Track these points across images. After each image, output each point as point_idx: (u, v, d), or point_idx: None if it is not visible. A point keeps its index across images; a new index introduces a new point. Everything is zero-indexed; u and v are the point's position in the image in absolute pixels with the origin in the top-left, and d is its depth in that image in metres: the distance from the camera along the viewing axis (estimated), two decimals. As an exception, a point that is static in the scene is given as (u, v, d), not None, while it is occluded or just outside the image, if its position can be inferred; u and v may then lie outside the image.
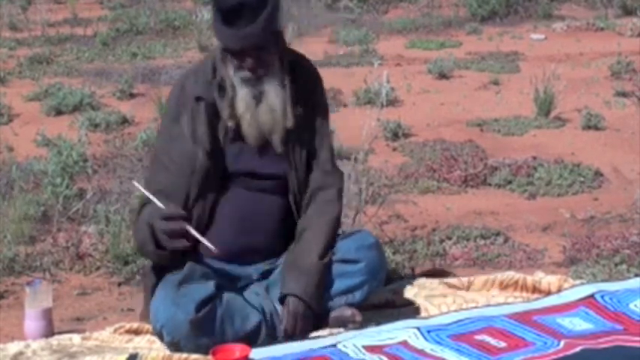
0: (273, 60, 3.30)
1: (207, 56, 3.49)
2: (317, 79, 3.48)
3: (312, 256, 3.25)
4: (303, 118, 3.35)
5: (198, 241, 3.16)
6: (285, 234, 3.38)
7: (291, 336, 3.21)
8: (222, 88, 3.29)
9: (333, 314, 3.31)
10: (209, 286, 3.15)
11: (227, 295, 3.21)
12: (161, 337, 3.14)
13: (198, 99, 3.30)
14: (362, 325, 3.30)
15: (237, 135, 3.31)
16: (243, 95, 3.26)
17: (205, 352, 3.04)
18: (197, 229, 3.23)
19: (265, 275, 3.37)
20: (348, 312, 3.31)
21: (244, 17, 3.18)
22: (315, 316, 3.26)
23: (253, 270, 3.36)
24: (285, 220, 3.38)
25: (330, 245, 3.31)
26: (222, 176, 3.30)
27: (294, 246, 3.33)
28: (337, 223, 3.40)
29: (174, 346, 3.10)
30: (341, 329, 3.29)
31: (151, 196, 3.17)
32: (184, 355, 3.08)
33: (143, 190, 3.22)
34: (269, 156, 3.33)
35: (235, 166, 3.32)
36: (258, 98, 3.27)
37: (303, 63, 3.48)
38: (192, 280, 3.16)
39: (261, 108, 3.27)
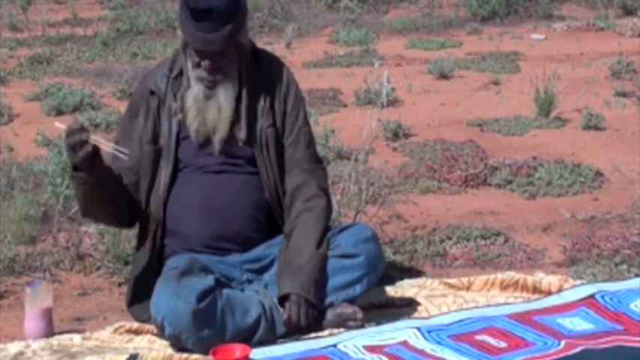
0: (231, 69, 3.32)
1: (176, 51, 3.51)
2: (289, 82, 3.48)
3: (305, 251, 3.26)
4: (274, 122, 3.38)
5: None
6: (262, 222, 3.39)
7: (296, 332, 3.22)
8: (177, 80, 3.36)
9: (334, 311, 3.31)
10: (209, 279, 3.17)
11: (227, 290, 3.22)
12: (162, 330, 3.14)
13: (152, 92, 3.37)
14: (363, 324, 3.30)
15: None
16: (195, 91, 3.31)
17: (206, 347, 3.04)
18: (157, 226, 3.34)
19: (257, 271, 3.37)
20: (349, 309, 3.31)
21: (211, 22, 3.21)
22: (316, 310, 3.25)
23: (237, 270, 3.36)
24: (260, 208, 3.38)
25: (322, 237, 3.32)
26: (174, 167, 3.35)
27: (285, 246, 3.33)
28: (326, 214, 3.40)
29: (176, 339, 3.11)
30: (341, 329, 3.29)
31: (60, 125, 3.24)
32: (184, 355, 3.09)
33: (60, 125, 3.26)
34: (226, 152, 3.36)
35: (186, 162, 3.36)
36: (208, 97, 3.31)
37: (274, 67, 3.49)
38: (191, 274, 3.17)
39: (210, 105, 3.30)
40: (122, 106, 7.24)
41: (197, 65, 3.29)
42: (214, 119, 3.31)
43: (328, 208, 3.43)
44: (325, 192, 3.46)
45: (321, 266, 3.27)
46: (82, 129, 3.18)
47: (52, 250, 4.28)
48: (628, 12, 11.84)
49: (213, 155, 3.35)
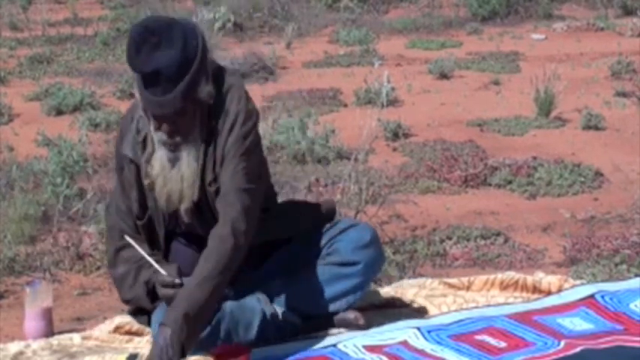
0: (192, 127, 3.09)
1: (134, 104, 3.24)
2: (238, 110, 3.15)
3: (188, 286, 3.04)
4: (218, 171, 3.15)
5: None
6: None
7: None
8: (144, 143, 3.16)
9: (336, 318, 3.30)
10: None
11: (230, 305, 3.17)
12: None
13: (130, 160, 3.18)
14: (366, 328, 3.30)
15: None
16: (160, 156, 3.11)
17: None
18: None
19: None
20: (351, 315, 3.31)
21: (161, 85, 2.99)
22: (185, 348, 2.98)
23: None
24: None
25: (211, 277, 3.01)
26: (165, 233, 3.25)
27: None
28: (226, 245, 3.04)
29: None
30: (342, 329, 3.29)
31: (148, 257, 3.14)
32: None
33: (139, 248, 3.16)
34: (198, 208, 3.19)
35: (171, 224, 3.24)
36: (172, 162, 3.11)
37: (230, 98, 3.16)
38: None
39: (173, 174, 3.11)
40: (122, 106, 7.25)
41: (157, 128, 3.06)
42: (178, 189, 3.12)
43: (234, 235, 3.05)
44: (237, 218, 3.08)
45: (199, 301, 2.98)
46: (174, 284, 3.05)
47: (52, 250, 4.28)
48: (628, 12, 11.84)
49: (187, 219, 3.20)
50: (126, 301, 3.32)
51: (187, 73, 3.01)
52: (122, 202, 3.25)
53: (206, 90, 3.06)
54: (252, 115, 3.16)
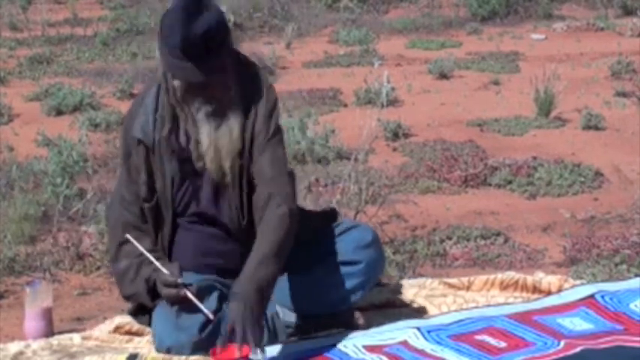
0: (229, 93, 3.17)
1: (145, 91, 3.31)
2: (262, 87, 3.29)
3: (255, 259, 3.07)
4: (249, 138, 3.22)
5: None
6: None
7: (231, 337, 3.00)
8: (185, 134, 3.18)
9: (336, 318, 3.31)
10: (211, 302, 3.13)
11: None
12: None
13: (139, 142, 3.20)
14: (365, 328, 3.30)
15: (186, 175, 3.22)
16: (207, 131, 3.15)
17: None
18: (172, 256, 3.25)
19: None
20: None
21: (210, 49, 3.05)
22: (260, 317, 3.03)
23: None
24: (246, 242, 3.21)
25: (275, 247, 3.09)
26: (173, 218, 3.25)
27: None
28: (283, 222, 3.14)
29: None
30: (342, 329, 3.29)
31: (149, 255, 3.15)
32: (184, 357, 3.09)
33: (139, 246, 3.16)
34: (217, 195, 3.23)
35: (181, 207, 3.25)
36: (219, 125, 3.16)
37: (250, 70, 3.29)
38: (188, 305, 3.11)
39: (220, 133, 3.16)
40: (122, 106, 7.25)
41: (205, 102, 3.12)
42: (227, 142, 3.16)
43: (287, 214, 3.16)
44: (287, 197, 3.20)
45: (269, 274, 3.05)
46: (177, 284, 3.07)
47: (52, 250, 4.29)
48: (628, 12, 11.84)
49: (204, 201, 3.23)
50: (126, 297, 3.32)
51: (226, 29, 3.14)
52: (128, 191, 3.26)
53: (236, 58, 3.21)
54: (277, 101, 3.28)
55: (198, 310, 3.09)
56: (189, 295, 3.08)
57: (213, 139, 3.15)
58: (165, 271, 3.10)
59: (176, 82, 3.12)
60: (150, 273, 3.15)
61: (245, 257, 3.09)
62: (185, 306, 3.10)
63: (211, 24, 3.07)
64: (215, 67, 3.08)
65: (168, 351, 3.10)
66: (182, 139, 3.21)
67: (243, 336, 2.90)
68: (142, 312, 3.32)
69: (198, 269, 3.24)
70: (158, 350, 3.14)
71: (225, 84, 3.15)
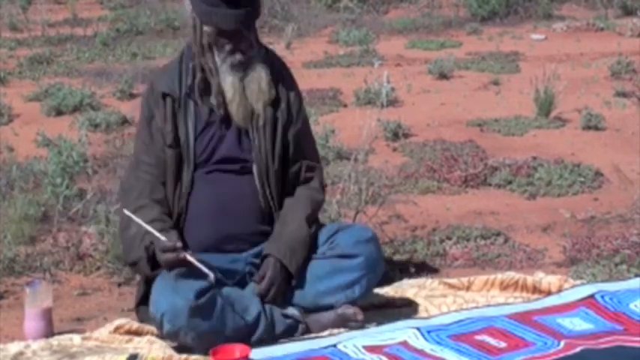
0: (255, 40, 3.38)
1: (178, 57, 3.52)
2: (287, 69, 3.56)
3: (291, 224, 3.32)
4: (277, 103, 3.43)
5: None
6: (263, 221, 3.39)
7: (264, 296, 3.25)
8: (203, 82, 3.36)
9: (335, 312, 3.31)
10: (209, 278, 3.16)
11: (227, 288, 3.24)
12: (161, 327, 3.14)
13: (164, 95, 3.37)
14: (363, 325, 3.30)
15: (210, 123, 3.37)
16: (230, 81, 3.35)
17: (205, 343, 3.05)
18: (178, 222, 3.34)
19: (258, 266, 3.37)
20: (350, 310, 3.32)
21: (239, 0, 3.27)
22: (290, 280, 3.30)
23: (240, 263, 3.36)
24: (262, 209, 3.38)
25: (311, 217, 3.38)
26: (194, 167, 3.36)
27: (278, 222, 3.38)
28: (319, 205, 3.49)
29: (175, 335, 3.12)
30: (342, 329, 3.30)
31: (147, 226, 3.20)
32: (184, 356, 3.09)
33: (137, 219, 3.22)
34: (239, 140, 3.39)
35: (205, 154, 3.37)
36: (243, 78, 3.35)
37: (274, 54, 3.55)
38: (190, 276, 3.17)
39: (248, 81, 3.35)
40: (122, 107, 7.26)
41: (231, 52, 3.32)
42: (255, 89, 3.37)
43: (321, 202, 3.53)
44: (323, 189, 3.55)
45: (303, 238, 3.32)
46: (175, 248, 3.15)
47: (52, 250, 4.29)
48: (628, 12, 11.83)
49: (229, 146, 3.38)
50: (131, 264, 3.39)
51: None
52: (147, 155, 3.39)
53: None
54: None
55: (197, 276, 3.13)
56: (189, 257, 3.13)
57: (238, 87, 3.34)
58: (163, 238, 3.16)
59: (206, 28, 3.31)
60: (149, 241, 3.21)
61: (261, 217, 3.35)
62: (184, 271, 3.15)
63: None
64: (246, 16, 3.28)
65: (162, 319, 3.11)
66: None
67: (268, 291, 3.23)
68: (145, 302, 3.32)
69: (216, 221, 3.32)
70: (154, 320, 3.15)
71: (250, 39, 3.34)
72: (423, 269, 4.06)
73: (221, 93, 3.35)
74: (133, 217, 3.23)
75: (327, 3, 13.07)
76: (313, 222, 3.40)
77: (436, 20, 11.87)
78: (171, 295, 3.10)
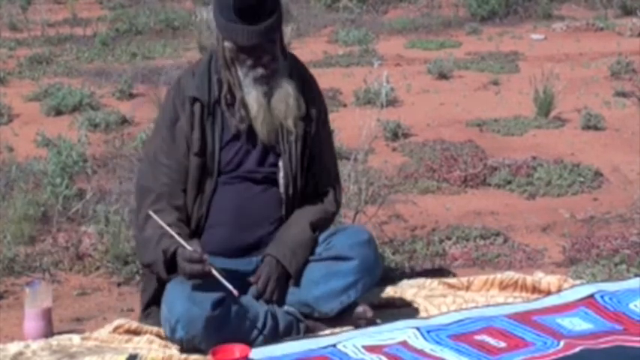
0: (279, 53, 3.31)
1: (202, 58, 3.47)
2: (313, 80, 3.50)
3: (295, 227, 3.31)
4: (304, 116, 3.37)
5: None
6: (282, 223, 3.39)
7: (260, 295, 3.25)
8: (230, 94, 3.29)
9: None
10: (233, 294, 3.13)
11: (241, 298, 3.21)
12: (174, 332, 3.12)
13: (194, 100, 3.30)
14: (375, 321, 3.31)
15: (238, 135, 3.31)
16: (255, 96, 3.27)
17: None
18: (197, 228, 3.27)
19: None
20: (359, 308, 3.33)
21: (262, 12, 3.19)
22: (287, 282, 3.29)
23: (253, 264, 3.36)
24: (283, 219, 3.37)
25: (316, 224, 3.35)
26: (217, 176, 3.32)
27: (283, 225, 3.36)
28: (328, 215, 3.43)
29: (188, 342, 3.10)
30: (344, 328, 3.30)
31: (172, 232, 3.15)
32: (184, 356, 3.09)
33: (162, 223, 3.17)
34: (265, 154, 3.35)
35: (231, 166, 3.32)
36: (269, 94, 3.28)
37: (299, 63, 3.47)
38: (207, 285, 3.14)
39: (275, 98, 3.29)
40: (121, 106, 7.26)
41: (253, 66, 3.25)
42: (283, 108, 3.31)
43: (333, 214, 3.47)
44: (338, 205, 3.52)
45: (305, 241, 3.30)
46: (202, 260, 3.09)
47: (52, 250, 4.29)
48: (627, 12, 11.84)
49: (255, 160, 3.34)
50: (145, 265, 3.33)
51: (279, 4, 3.27)
52: (168, 158, 3.31)
53: (284, 29, 3.41)
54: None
55: (216, 289, 3.10)
56: (214, 271, 3.09)
57: (263, 103, 3.27)
58: (188, 247, 3.11)
59: (227, 44, 3.24)
60: (169, 245, 3.15)
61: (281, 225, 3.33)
62: (204, 283, 3.12)
63: None
64: (265, 32, 3.20)
65: (175, 325, 3.09)
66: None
67: (264, 290, 3.23)
68: (155, 303, 3.31)
69: (237, 229, 3.31)
70: (166, 324, 3.13)
71: (273, 53, 3.27)
72: (422, 269, 4.06)
73: (245, 107, 3.28)
74: (159, 220, 3.17)
75: (327, 3, 13.07)
76: (318, 228, 3.35)
77: (436, 20, 11.88)
78: (188, 303, 3.08)
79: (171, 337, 3.15)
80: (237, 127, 3.30)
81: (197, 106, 3.30)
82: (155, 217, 3.19)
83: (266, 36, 3.21)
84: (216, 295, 3.11)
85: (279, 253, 3.26)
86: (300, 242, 3.30)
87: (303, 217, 3.34)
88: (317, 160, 3.41)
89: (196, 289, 3.12)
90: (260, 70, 3.25)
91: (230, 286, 3.08)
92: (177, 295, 3.11)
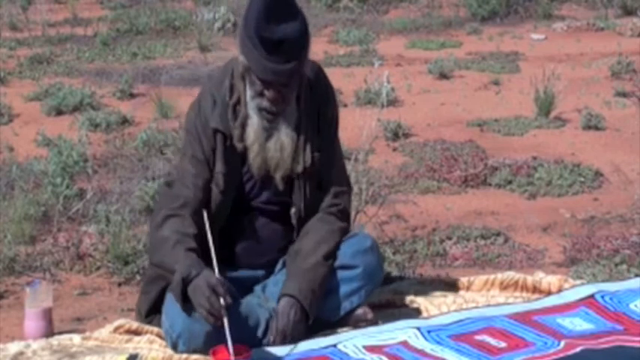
0: (291, 98, 3.20)
1: (225, 70, 3.30)
2: (330, 95, 3.39)
3: (312, 258, 3.22)
4: (315, 148, 3.29)
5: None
6: (291, 243, 3.36)
7: (282, 338, 3.15)
8: (235, 109, 3.22)
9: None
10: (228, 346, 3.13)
11: (242, 303, 3.20)
12: (175, 347, 3.12)
13: (215, 131, 3.21)
14: (376, 322, 3.31)
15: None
16: (254, 123, 3.18)
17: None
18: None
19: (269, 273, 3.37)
20: (359, 311, 3.33)
21: (284, 53, 3.07)
22: (307, 320, 3.20)
23: (258, 273, 3.36)
24: (291, 241, 3.35)
25: (332, 252, 3.27)
26: (233, 205, 3.27)
27: (296, 247, 3.29)
28: (340, 234, 3.33)
29: (190, 354, 3.10)
30: (344, 329, 3.29)
31: (214, 255, 3.07)
32: (184, 356, 3.09)
33: (209, 236, 3.11)
34: (284, 187, 3.28)
35: (250, 197, 3.28)
36: (269, 132, 3.19)
37: (319, 79, 3.36)
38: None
39: (271, 143, 3.20)
40: (122, 106, 7.26)
41: (259, 94, 3.15)
42: (276, 157, 3.20)
43: (345, 230, 3.37)
44: (348, 216, 3.44)
45: (323, 277, 3.22)
46: (225, 295, 2.99)
47: (52, 250, 4.29)
48: (628, 12, 11.83)
49: (269, 189, 3.28)
50: (154, 264, 3.25)
51: (305, 45, 3.13)
52: (195, 176, 3.22)
53: (309, 64, 3.23)
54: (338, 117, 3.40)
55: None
56: (225, 321, 2.97)
57: (260, 137, 3.19)
58: (217, 274, 3.03)
59: (242, 59, 3.14)
60: (189, 267, 3.03)
61: (290, 242, 3.27)
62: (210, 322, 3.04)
63: (299, 29, 3.10)
64: (281, 73, 3.09)
65: (177, 340, 3.09)
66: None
67: (281, 336, 3.11)
68: (156, 312, 3.30)
69: (244, 254, 3.29)
70: (169, 337, 3.12)
71: (283, 95, 3.15)
72: (423, 269, 4.06)
73: (243, 126, 3.20)
74: (208, 228, 3.13)
75: (327, 3, 13.06)
76: (332, 257, 3.27)
77: (436, 20, 11.87)
78: (188, 319, 3.06)
79: (172, 349, 3.14)
80: (236, 145, 3.22)
81: (219, 137, 3.22)
82: (207, 221, 3.13)
83: (281, 77, 3.10)
84: None
85: (300, 295, 3.15)
86: (318, 279, 3.20)
87: (319, 247, 3.24)
88: (325, 174, 3.33)
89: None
90: (265, 103, 3.16)
91: (230, 346, 2.95)
92: (178, 310, 3.08)
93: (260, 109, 3.17)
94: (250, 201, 3.29)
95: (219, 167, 3.23)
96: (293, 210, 3.31)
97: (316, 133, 3.29)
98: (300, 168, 3.25)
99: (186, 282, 3.03)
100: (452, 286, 3.71)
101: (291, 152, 3.21)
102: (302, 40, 3.12)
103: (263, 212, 3.31)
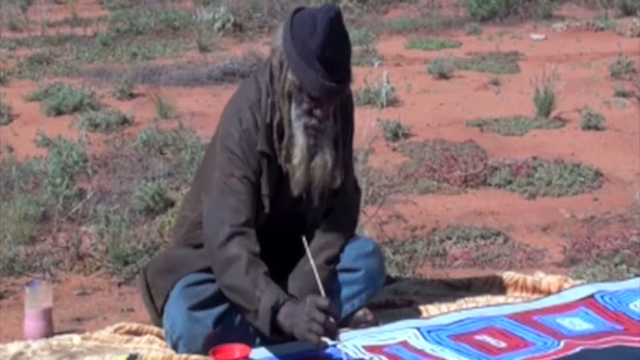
0: (330, 115, 3.19)
1: (257, 89, 3.21)
2: (352, 103, 3.39)
3: (315, 262, 3.16)
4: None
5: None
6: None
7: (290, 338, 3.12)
8: (279, 129, 3.16)
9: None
10: (226, 300, 3.12)
11: None
12: (176, 349, 3.12)
13: (262, 154, 3.17)
14: (376, 323, 3.31)
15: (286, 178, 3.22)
16: (300, 143, 3.14)
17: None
18: None
19: None
20: (359, 312, 3.33)
21: (338, 73, 3.06)
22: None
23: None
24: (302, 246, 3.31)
25: (335, 257, 3.28)
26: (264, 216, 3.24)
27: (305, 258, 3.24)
28: (347, 239, 3.34)
29: (190, 355, 3.10)
30: (345, 329, 3.29)
31: (321, 285, 3.03)
32: (184, 356, 3.09)
33: (313, 263, 3.08)
34: (302, 199, 3.27)
35: (280, 212, 3.26)
36: (313, 151, 3.16)
37: (349, 93, 3.36)
38: (208, 291, 3.12)
39: (316, 162, 3.17)
40: (122, 106, 7.26)
41: (308, 113, 3.11)
42: (319, 175, 3.18)
43: (351, 235, 3.39)
44: (355, 221, 3.47)
45: (324, 281, 3.15)
46: (335, 314, 2.97)
47: (52, 250, 4.29)
48: (628, 12, 11.84)
49: (292, 201, 3.25)
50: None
51: (350, 64, 3.15)
52: (241, 179, 3.16)
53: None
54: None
55: (217, 304, 3.07)
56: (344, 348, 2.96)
57: (307, 156, 3.14)
58: (324, 294, 3.00)
59: (291, 77, 3.08)
60: (278, 289, 3.01)
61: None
62: (200, 301, 3.08)
63: (351, 49, 3.13)
64: (336, 91, 3.08)
65: (177, 342, 3.09)
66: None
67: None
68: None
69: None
70: (169, 337, 3.12)
71: (329, 112, 3.14)
72: (423, 269, 4.06)
73: (289, 148, 3.17)
74: (309, 252, 3.11)
75: (327, 3, 13.06)
76: (334, 262, 3.28)
77: (436, 20, 11.87)
78: (189, 322, 3.07)
79: (173, 349, 3.15)
80: (283, 165, 3.18)
81: (265, 160, 3.17)
82: (306, 245, 3.11)
83: (336, 95, 3.10)
84: (217, 312, 3.10)
85: (301, 296, 3.09)
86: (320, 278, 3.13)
87: (323, 252, 3.24)
88: (341, 186, 3.31)
89: (196, 307, 3.09)
90: (313, 121, 3.11)
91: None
92: (179, 312, 3.09)
93: (307, 127, 3.13)
94: (279, 214, 3.26)
95: (264, 190, 3.19)
96: (308, 217, 3.31)
97: (345, 146, 3.32)
98: (337, 183, 3.23)
99: (275, 310, 2.97)
100: (452, 286, 3.71)
101: (332, 169, 3.19)
102: (350, 60, 3.15)
103: (284, 220, 3.28)
